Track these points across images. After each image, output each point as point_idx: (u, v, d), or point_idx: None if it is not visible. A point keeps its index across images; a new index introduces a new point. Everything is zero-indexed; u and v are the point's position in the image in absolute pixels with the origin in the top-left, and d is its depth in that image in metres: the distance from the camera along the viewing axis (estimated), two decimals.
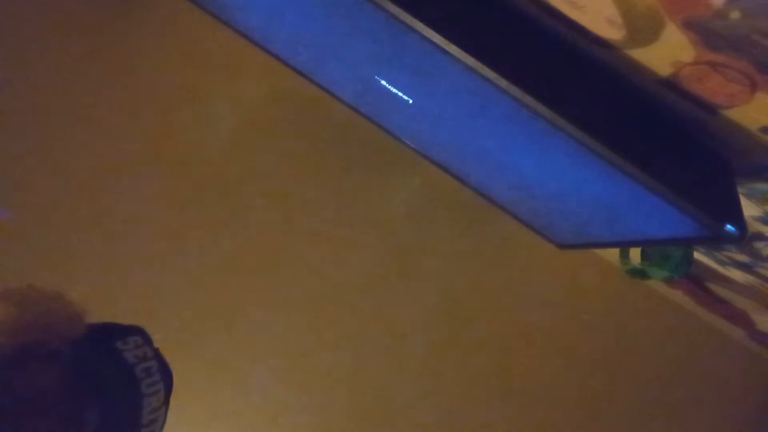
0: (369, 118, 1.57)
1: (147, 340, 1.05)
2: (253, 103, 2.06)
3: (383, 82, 1.31)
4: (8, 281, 0.91)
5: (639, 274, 1.63)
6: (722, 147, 1.16)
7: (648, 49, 1.02)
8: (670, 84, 1.07)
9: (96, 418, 0.87)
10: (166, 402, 1.03)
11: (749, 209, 1.34)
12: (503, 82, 1.01)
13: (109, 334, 1.01)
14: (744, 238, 1.04)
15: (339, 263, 2.09)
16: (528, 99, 1.01)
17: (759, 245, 1.50)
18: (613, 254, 1.85)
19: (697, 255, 1.71)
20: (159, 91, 1.98)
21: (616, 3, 0.96)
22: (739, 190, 1.13)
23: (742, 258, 1.62)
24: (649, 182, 1.03)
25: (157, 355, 1.04)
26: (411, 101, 1.33)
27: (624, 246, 1.65)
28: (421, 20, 1.00)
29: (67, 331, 0.92)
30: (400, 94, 1.31)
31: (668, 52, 0.99)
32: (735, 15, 0.84)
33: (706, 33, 0.90)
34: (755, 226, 1.41)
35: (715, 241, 1.09)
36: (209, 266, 2.00)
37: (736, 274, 1.76)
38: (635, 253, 1.64)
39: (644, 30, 0.98)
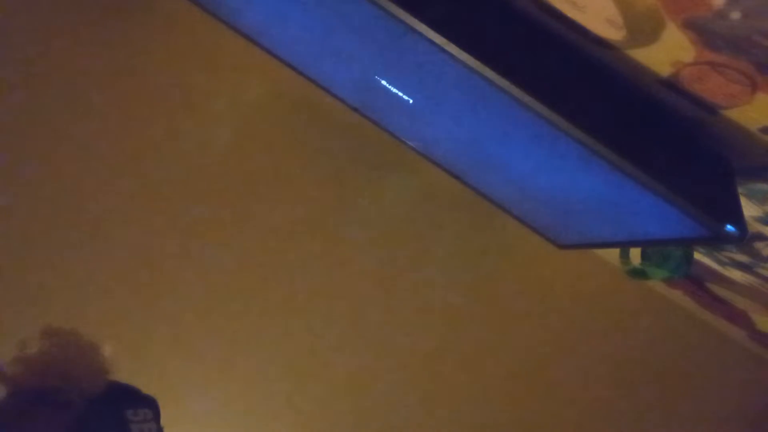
0: (369, 117, 1.57)
1: (156, 415, 1.05)
2: (254, 103, 2.06)
3: (383, 82, 1.31)
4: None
5: (639, 274, 1.63)
6: (722, 147, 1.16)
7: (648, 49, 1.02)
8: (671, 84, 1.07)
9: None
10: None
11: (749, 209, 1.34)
12: (503, 82, 1.01)
13: (123, 400, 1.03)
14: (744, 239, 1.04)
15: (339, 264, 2.09)
16: (528, 99, 1.01)
17: (759, 245, 1.50)
18: (613, 254, 1.85)
19: (697, 255, 1.71)
20: (159, 91, 1.98)
21: (616, 3, 0.96)
22: (739, 190, 1.14)
23: (742, 258, 1.62)
24: (649, 182, 1.03)
25: None
26: (411, 101, 1.33)
27: (624, 246, 1.65)
28: (421, 20, 1.00)
29: (88, 386, 0.95)
30: (400, 94, 1.31)
31: (668, 53, 0.99)
32: (735, 15, 0.84)
33: (707, 33, 0.90)
34: (755, 226, 1.41)
35: (715, 241, 1.09)
36: (209, 266, 1.99)
37: (736, 274, 1.76)
38: (635, 253, 1.64)
39: (644, 30, 0.98)
